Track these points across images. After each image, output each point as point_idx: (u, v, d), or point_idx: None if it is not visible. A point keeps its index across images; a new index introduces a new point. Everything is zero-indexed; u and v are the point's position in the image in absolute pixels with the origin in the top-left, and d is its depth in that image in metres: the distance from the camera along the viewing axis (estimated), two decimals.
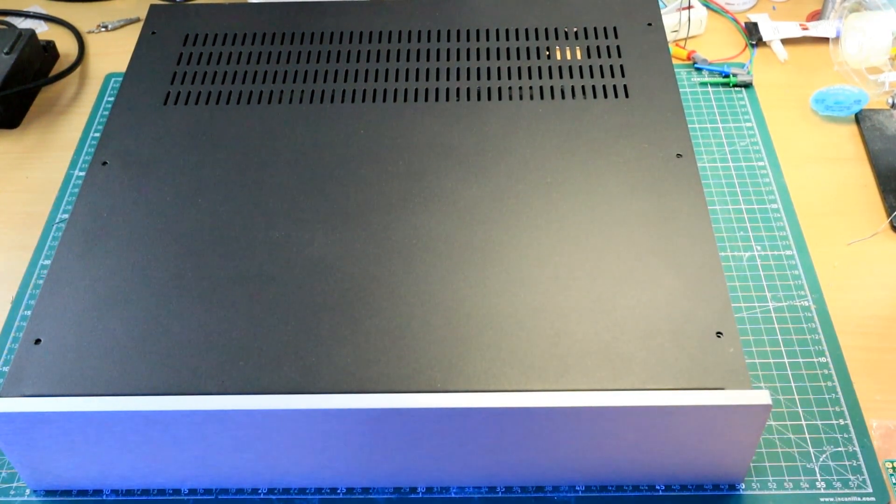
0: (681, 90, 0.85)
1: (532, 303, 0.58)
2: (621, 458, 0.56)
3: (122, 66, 0.78)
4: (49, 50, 0.94)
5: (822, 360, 0.66)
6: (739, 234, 0.74)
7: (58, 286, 0.60)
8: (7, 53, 0.88)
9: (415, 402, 0.52)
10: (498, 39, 0.78)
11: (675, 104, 0.71)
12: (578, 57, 0.76)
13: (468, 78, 0.74)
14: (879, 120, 0.83)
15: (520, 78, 0.74)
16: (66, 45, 0.97)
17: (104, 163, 0.68)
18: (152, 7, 0.83)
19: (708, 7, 0.96)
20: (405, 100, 0.72)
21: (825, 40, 0.92)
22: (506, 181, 0.65)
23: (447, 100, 0.72)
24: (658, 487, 0.59)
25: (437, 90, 0.73)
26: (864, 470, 0.59)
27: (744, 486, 0.59)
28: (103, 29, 0.99)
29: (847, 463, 0.60)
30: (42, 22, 1.00)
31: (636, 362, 0.55)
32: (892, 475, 0.59)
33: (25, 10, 1.01)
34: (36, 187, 0.82)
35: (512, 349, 0.55)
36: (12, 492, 0.60)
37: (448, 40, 0.78)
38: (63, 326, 0.57)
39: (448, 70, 0.75)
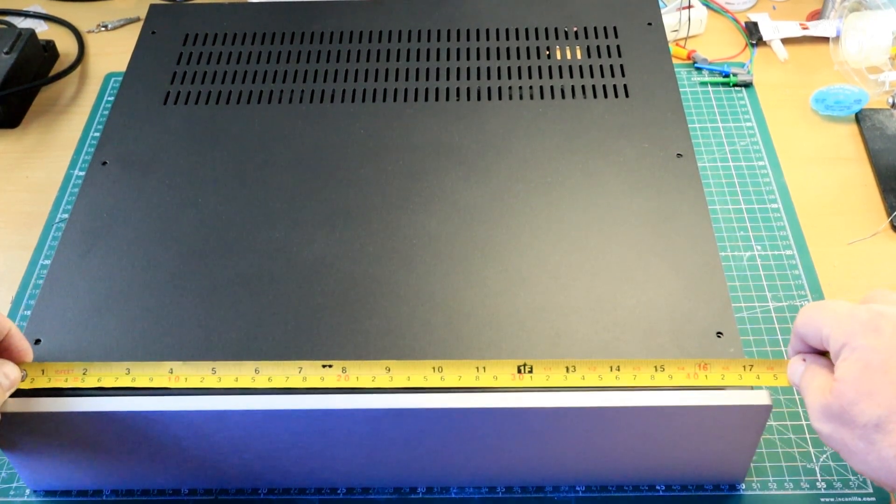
0: (681, 90, 0.85)
1: (532, 303, 0.58)
2: (621, 458, 0.56)
3: (122, 65, 0.78)
4: (49, 49, 0.94)
5: None
6: (739, 233, 0.74)
7: (58, 286, 0.60)
8: (7, 53, 0.88)
9: (415, 402, 0.52)
10: (498, 39, 0.78)
11: (675, 104, 0.71)
12: (578, 56, 0.76)
13: (468, 77, 0.74)
14: (880, 119, 0.83)
15: (520, 77, 0.74)
16: (66, 45, 0.97)
17: (104, 162, 0.68)
18: (152, 7, 0.83)
19: (708, 6, 0.96)
20: (405, 100, 0.72)
21: (825, 40, 0.92)
22: (506, 181, 0.65)
23: (447, 99, 0.72)
24: (658, 487, 0.59)
25: (437, 90, 0.73)
26: None
27: (744, 486, 0.59)
28: (103, 28, 0.99)
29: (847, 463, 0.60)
30: (42, 21, 1.00)
31: None
32: None
33: (25, 9, 1.01)
34: (36, 187, 0.82)
35: (512, 349, 0.55)
36: (12, 492, 0.60)
37: (448, 40, 0.78)
38: (63, 326, 0.57)
39: (448, 70, 0.75)
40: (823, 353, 0.49)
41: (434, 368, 0.53)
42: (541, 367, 0.53)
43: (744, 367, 0.52)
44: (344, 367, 0.53)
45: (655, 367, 0.52)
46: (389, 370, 0.53)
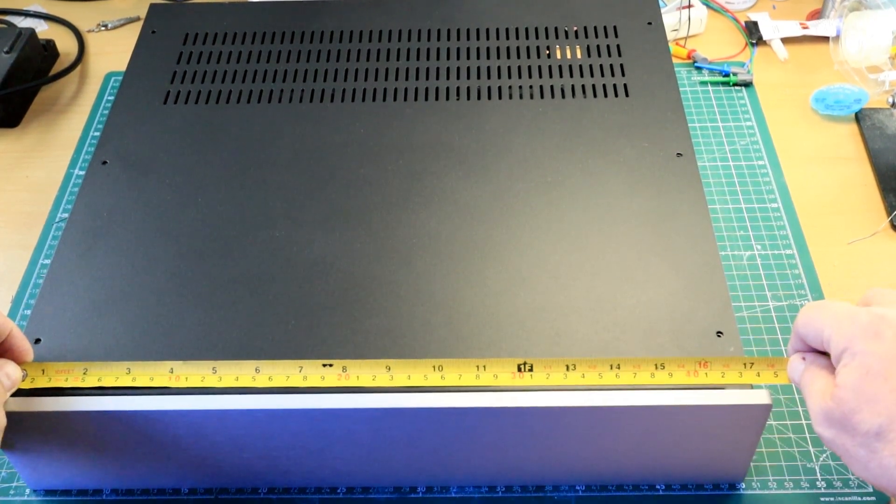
0: (681, 89, 0.85)
1: (532, 303, 0.58)
2: (621, 457, 0.56)
3: (121, 65, 0.78)
4: (49, 49, 0.94)
5: None
6: (739, 233, 0.74)
7: (58, 286, 0.60)
8: (7, 52, 0.88)
9: (415, 401, 0.52)
10: (498, 38, 0.78)
11: (675, 103, 0.71)
12: (578, 56, 0.76)
13: (468, 77, 0.74)
14: (880, 119, 0.83)
15: (520, 77, 0.74)
16: (65, 44, 0.97)
17: (104, 162, 0.68)
18: (152, 6, 0.83)
19: (708, 6, 0.96)
20: (405, 99, 0.72)
21: (825, 39, 0.92)
22: (506, 180, 0.65)
23: (447, 99, 0.72)
24: (658, 487, 0.59)
25: (437, 89, 0.73)
26: None
27: (744, 486, 0.59)
28: (103, 28, 0.99)
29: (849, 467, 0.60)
30: (42, 21, 1.00)
31: None
32: None
33: (25, 8, 1.01)
34: (36, 186, 0.82)
35: (512, 349, 0.55)
36: (12, 491, 0.60)
37: (448, 39, 0.78)
38: (63, 326, 0.57)
39: (448, 69, 0.75)
40: (824, 353, 0.48)
41: (434, 367, 0.53)
42: (541, 365, 0.53)
43: (744, 364, 0.52)
44: (344, 366, 0.53)
45: (656, 364, 0.52)
46: (390, 369, 0.53)
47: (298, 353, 0.55)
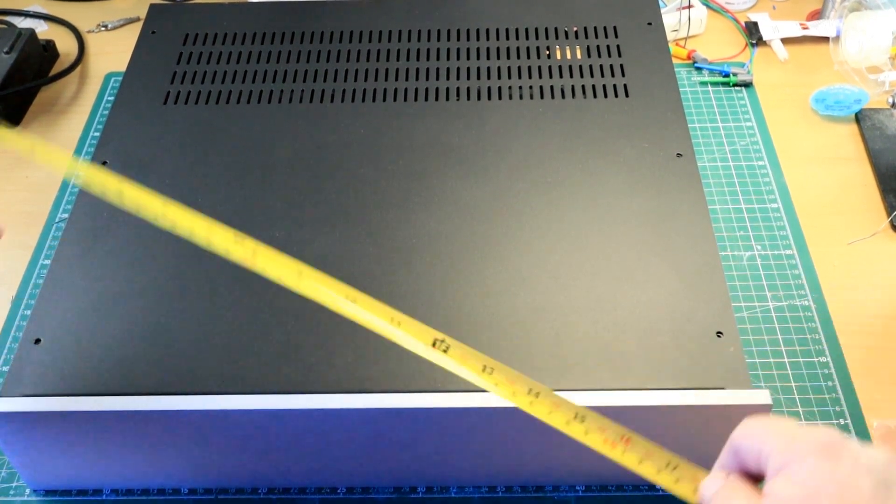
0: (681, 89, 0.85)
1: (532, 303, 0.58)
2: None
3: (122, 65, 0.78)
4: (49, 49, 0.94)
5: (823, 359, 0.66)
6: (739, 233, 0.74)
7: (58, 286, 0.60)
8: (7, 53, 0.88)
9: (415, 402, 0.52)
10: (498, 39, 0.78)
11: (675, 103, 0.71)
12: (578, 56, 0.76)
13: (468, 77, 0.74)
14: (880, 119, 0.83)
15: (520, 77, 0.74)
16: (65, 45, 0.97)
17: (104, 162, 0.68)
18: (152, 6, 0.83)
19: (708, 6, 0.96)
20: (405, 99, 0.72)
21: (825, 40, 0.92)
22: (506, 180, 0.65)
23: (447, 99, 0.72)
24: (658, 487, 0.59)
25: (437, 89, 0.73)
26: None
27: None
28: (103, 28, 0.99)
29: None
30: (42, 21, 1.00)
31: (636, 362, 0.55)
32: None
33: (25, 9, 1.01)
34: (36, 187, 0.82)
35: (512, 349, 0.55)
36: (12, 492, 0.60)
37: (448, 40, 0.78)
38: (63, 326, 0.57)
39: (448, 69, 0.75)
40: (751, 478, 0.40)
41: (346, 296, 0.49)
42: (458, 350, 0.47)
43: (667, 463, 0.44)
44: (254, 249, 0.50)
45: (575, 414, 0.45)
46: (301, 273, 0.49)
47: (298, 352, 0.55)
